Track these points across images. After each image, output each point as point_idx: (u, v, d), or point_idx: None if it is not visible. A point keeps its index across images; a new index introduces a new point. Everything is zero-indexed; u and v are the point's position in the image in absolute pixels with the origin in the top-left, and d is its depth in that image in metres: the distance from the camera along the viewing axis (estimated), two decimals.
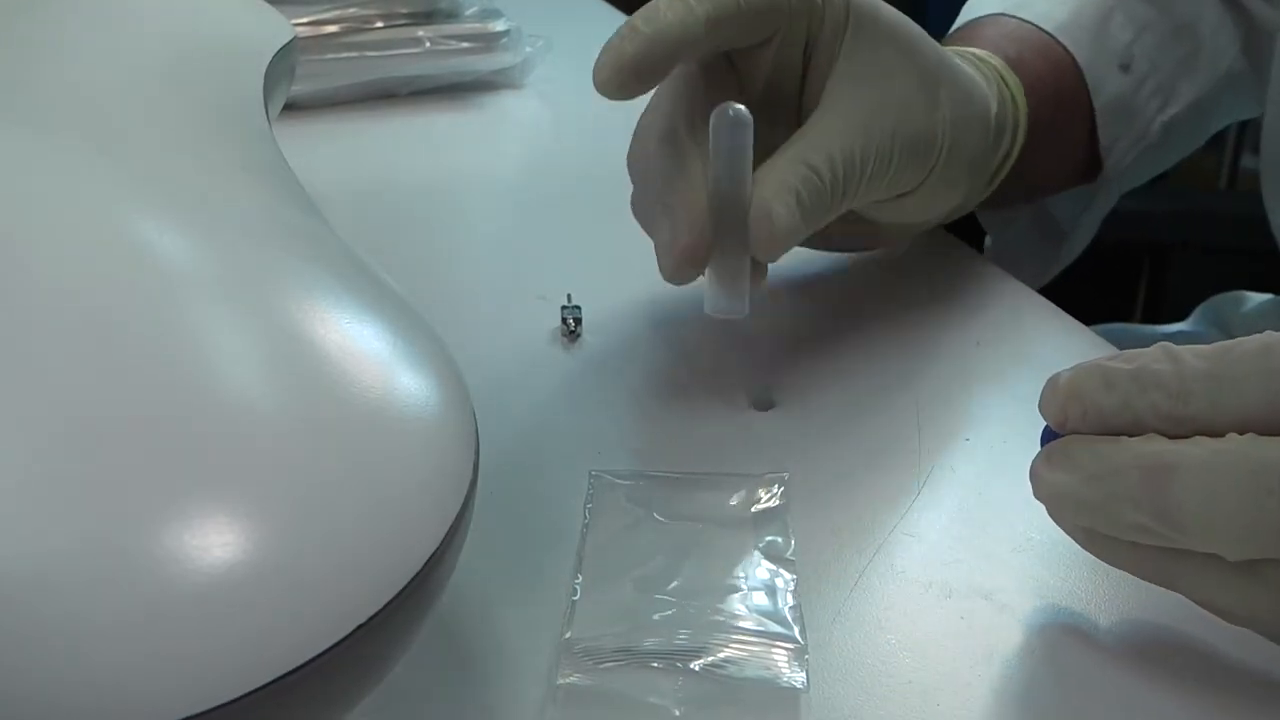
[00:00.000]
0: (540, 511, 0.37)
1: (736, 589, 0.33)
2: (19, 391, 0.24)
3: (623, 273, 0.51)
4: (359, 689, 0.26)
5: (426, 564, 0.25)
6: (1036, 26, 0.55)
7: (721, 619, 0.32)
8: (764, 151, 0.41)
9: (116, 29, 0.38)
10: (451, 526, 0.26)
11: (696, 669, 0.31)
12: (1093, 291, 0.73)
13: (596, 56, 0.40)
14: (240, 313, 0.27)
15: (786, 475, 0.38)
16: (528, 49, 0.73)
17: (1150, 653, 0.32)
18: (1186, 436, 0.29)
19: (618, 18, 0.86)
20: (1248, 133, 1.48)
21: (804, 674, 0.31)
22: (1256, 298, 0.77)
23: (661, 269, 0.41)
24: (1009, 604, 0.34)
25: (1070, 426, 0.31)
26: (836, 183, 0.41)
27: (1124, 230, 0.66)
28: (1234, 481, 0.28)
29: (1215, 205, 1.18)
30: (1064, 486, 0.31)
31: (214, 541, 0.22)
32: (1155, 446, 0.29)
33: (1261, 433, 0.28)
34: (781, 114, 0.44)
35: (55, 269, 0.26)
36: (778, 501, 0.37)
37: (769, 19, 0.42)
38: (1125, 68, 0.56)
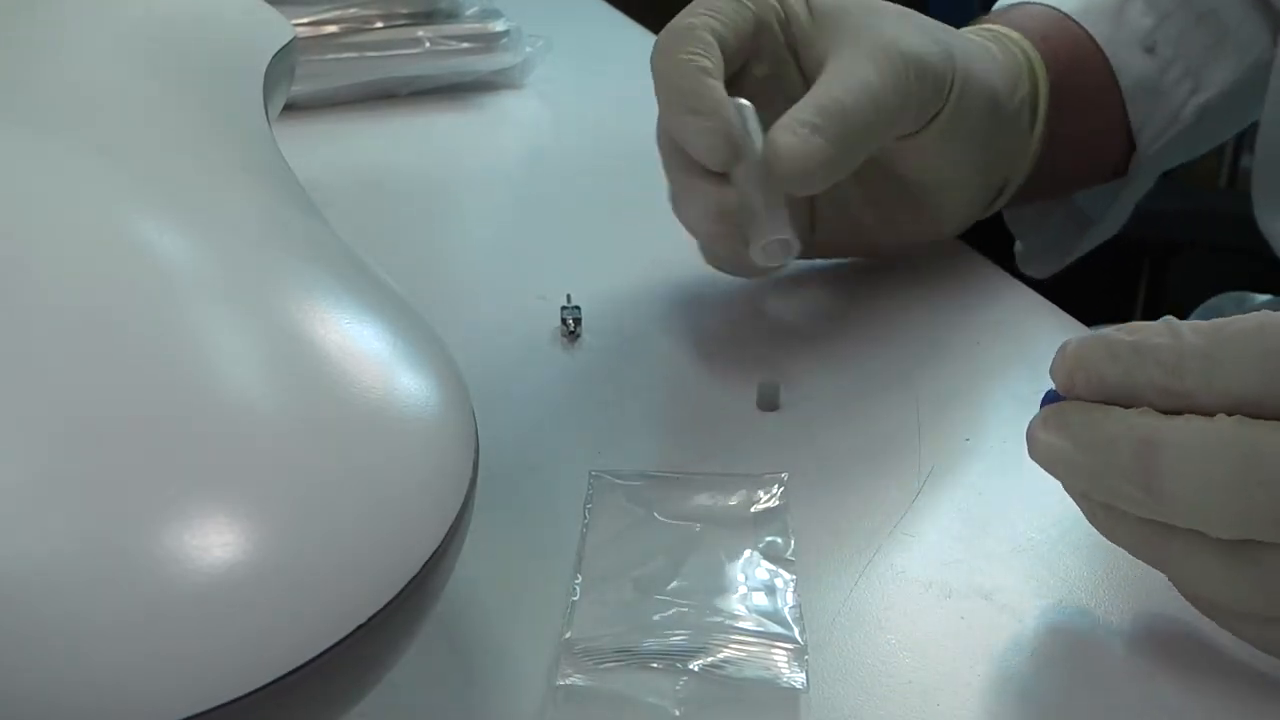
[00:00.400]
0: (540, 511, 0.37)
1: (736, 589, 0.34)
2: (19, 391, 0.24)
3: (623, 273, 0.51)
4: (359, 689, 0.26)
5: (426, 564, 0.25)
6: (1054, 9, 0.56)
7: (721, 619, 0.32)
8: None
9: (116, 29, 0.38)
10: (451, 526, 0.26)
11: (696, 669, 0.31)
12: (1093, 291, 0.73)
13: (700, 146, 0.42)
14: (240, 313, 0.27)
15: (786, 475, 0.38)
16: (528, 49, 0.73)
17: (1151, 653, 0.32)
18: (1180, 412, 0.29)
19: (618, 18, 0.86)
20: (1247, 133, 1.47)
21: (804, 674, 0.31)
22: (1257, 298, 0.77)
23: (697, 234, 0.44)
24: (1009, 604, 0.34)
25: (1075, 393, 0.31)
26: (858, 106, 0.43)
27: (1124, 230, 0.66)
28: (1222, 465, 0.28)
29: (1215, 205, 1.18)
30: (1058, 451, 0.31)
31: (214, 541, 0.22)
32: (1146, 420, 0.29)
33: (1252, 412, 0.28)
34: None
35: (55, 269, 0.26)
36: (778, 501, 0.37)
37: (753, 39, 0.46)
38: (1149, 50, 0.56)
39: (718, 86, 0.43)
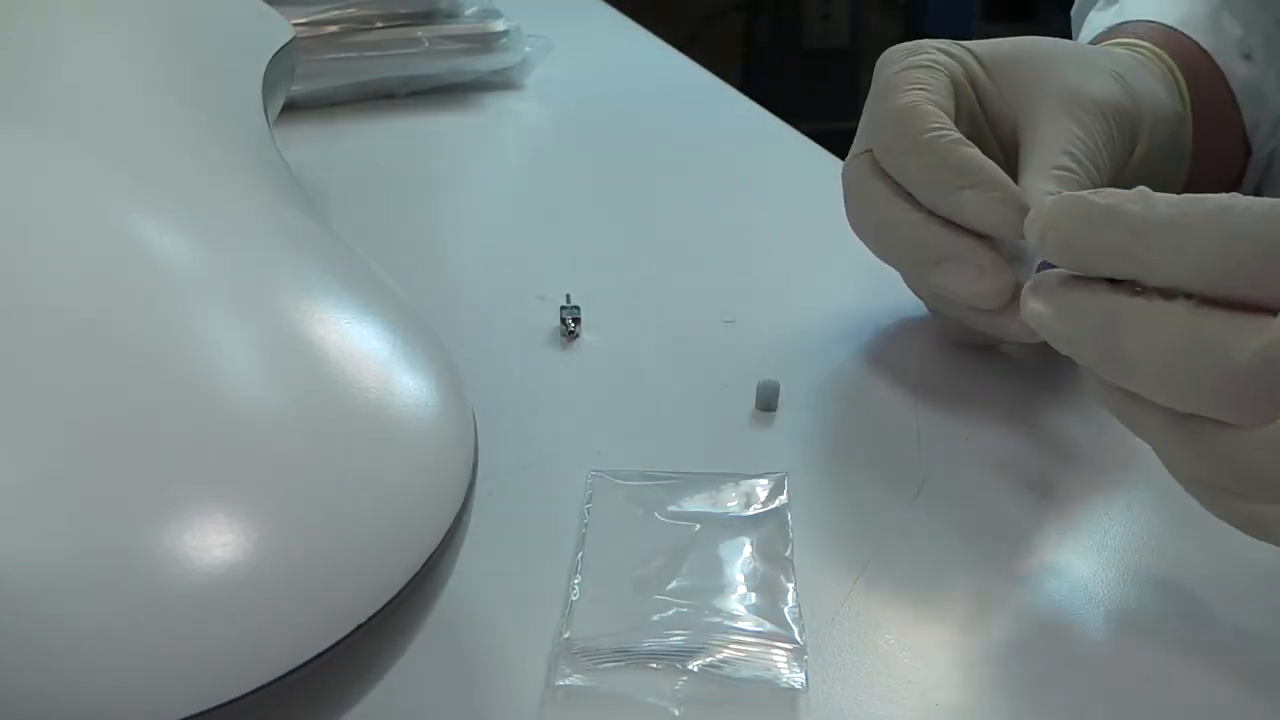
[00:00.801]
0: (540, 511, 0.37)
1: (735, 589, 0.34)
2: (19, 392, 0.24)
3: (622, 273, 0.51)
4: (359, 689, 0.26)
5: (426, 564, 0.25)
6: (1157, 23, 0.55)
7: (720, 619, 0.32)
8: None
9: (115, 29, 0.38)
10: (451, 527, 0.26)
11: (695, 669, 0.31)
12: None
13: (991, 217, 0.40)
14: (239, 313, 0.27)
15: (786, 475, 0.38)
16: (527, 49, 0.73)
17: (1151, 654, 0.32)
18: (1141, 280, 0.31)
19: (618, 18, 0.86)
20: None
21: (803, 674, 0.31)
22: None
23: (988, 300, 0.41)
24: (1009, 604, 0.34)
25: (1046, 251, 0.33)
26: (1083, 165, 0.42)
27: None
28: (1174, 345, 0.30)
29: None
30: (1043, 317, 0.33)
31: (214, 542, 0.22)
32: (1113, 296, 0.31)
33: (1207, 291, 0.30)
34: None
35: (55, 270, 0.26)
36: (777, 501, 0.37)
37: (954, 106, 0.44)
38: (1246, 56, 0.56)
39: (982, 155, 0.41)
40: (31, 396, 0.24)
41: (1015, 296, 0.39)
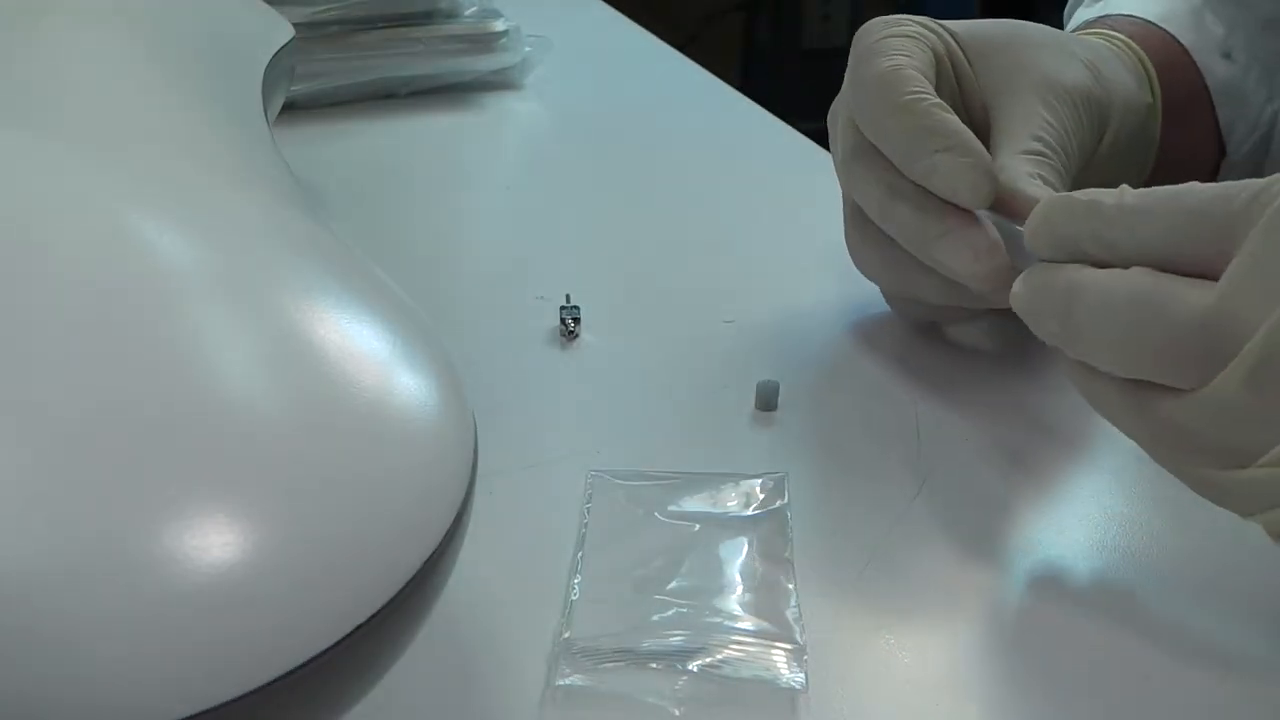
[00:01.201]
0: (540, 511, 0.37)
1: (735, 589, 0.34)
2: (20, 391, 0.24)
3: (622, 273, 0.51)
4: (359, 689, 0.26)
5: (425, 564, 0.25)
6: (1137, 18, 0.56)
7: (720, 619, 0.32)
8: None
9: (115, 29, 0.38)
10: (450, 527, 0.26)
11: (695, 669, 0.31)
12: None
13: (961, 183, 0.39)
14: (239, 313, 0.27)
15: (786, 475, 0.38)
16: (527, 49, 0.73)
17: (1151, 656, 0.32)
18: (1109, 263, 0.32)
19: (618, 18, 0.86)
20: None
21: (803, 674, 0.31)
22: None
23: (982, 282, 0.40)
24: (1009, 604, 0.34)
25: (1038, 247, 0.35)
26: (1053, 149, 0.43)
27: None
28: (1125, 307, 0.31)
29: None
30: (1019, 298, 0.35)
31: (214, 541, 0.22)
32: (1077, 269, 0.33)
33: (1163, 263, 0.31)
34: None
35: (55, 269, 0.26)
36: (777, 502, 0.37)
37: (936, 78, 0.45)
38: (1227, 56, 0.57)
39: (959, 122, 0.41)
40: (32, 396, 0.24)
41: (1007, 278, 0.39)
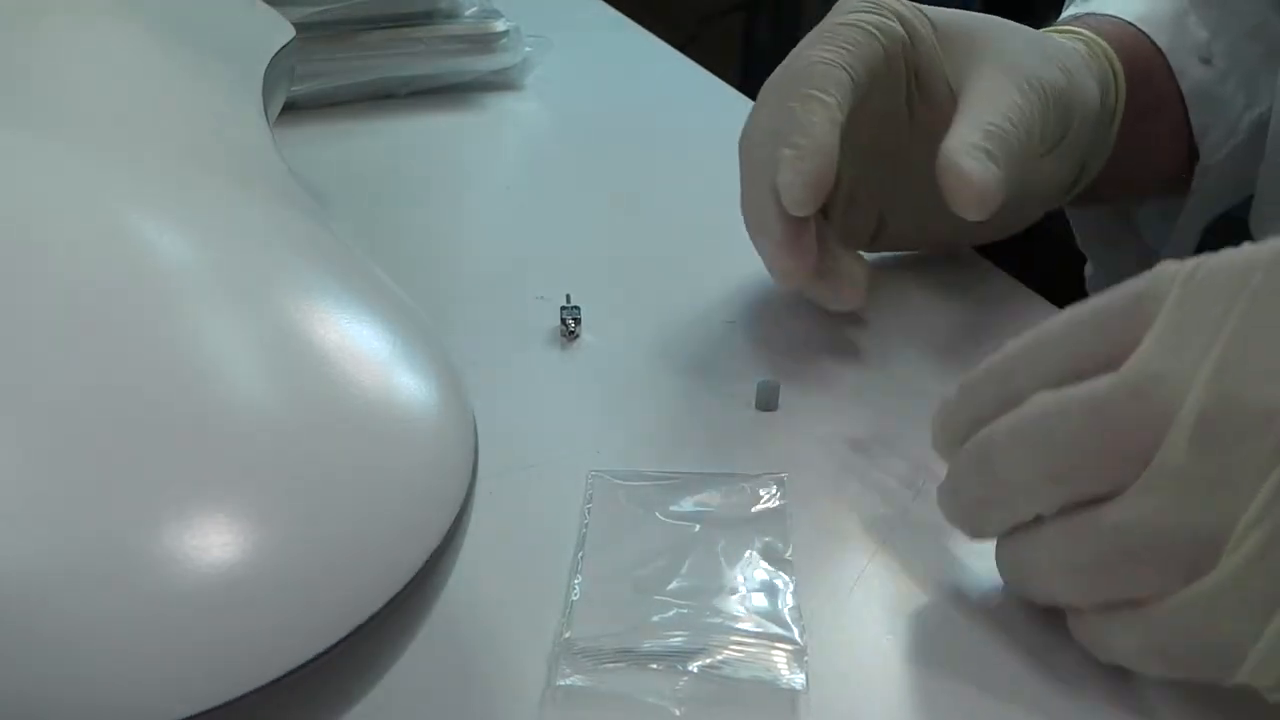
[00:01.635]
0: (540, 511, 0.37)
1: (735, 590, 0.34)
2: (20, 391, 0.24)
3: (622, 273, 0.51)
4: (359, 689, 0.26)
5: (426, 564, 0.25)
6: (1117, 18, 0.56)
7: (720, 620, 0.32)
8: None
9: (115, 29, 0.38)
10: (451, 527, 0.26)
11: (695, 670, 0.31)
12: (1092, 292, 0.73)
13: (786, 182, 0.42)
14: (240, 313, 0.27)
15: (786, 475, 0.38)
16: (527, 49, 0.73)
17: None
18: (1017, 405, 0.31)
19: (618, 18, 0.86)
20: None
21: (803, 675, 0.31)
22: None
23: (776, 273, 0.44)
24: (1009, 604, 0.34)
25: (945, 451, 0.35)
26: (1018, 133, 0.43)
27: None
28: (1030, 427, 0.30)
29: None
30: (940, 497, 0.34)
31: (214, 541, 0.22)
32: (977, 435, 0.32)
33: (1063, 377, 0.30)
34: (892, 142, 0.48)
35: (56, 270, 0.26)
36: (777, 502, 0.37)
37: (880, 76, 0.46)
38: (1206, 61, 0.57)
39: (834, 137, 0.43)
40: (32, 396, 0.24)
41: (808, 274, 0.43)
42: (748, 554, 0.35)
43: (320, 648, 0.23)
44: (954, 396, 0.34)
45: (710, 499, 0.37)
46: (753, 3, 2.35)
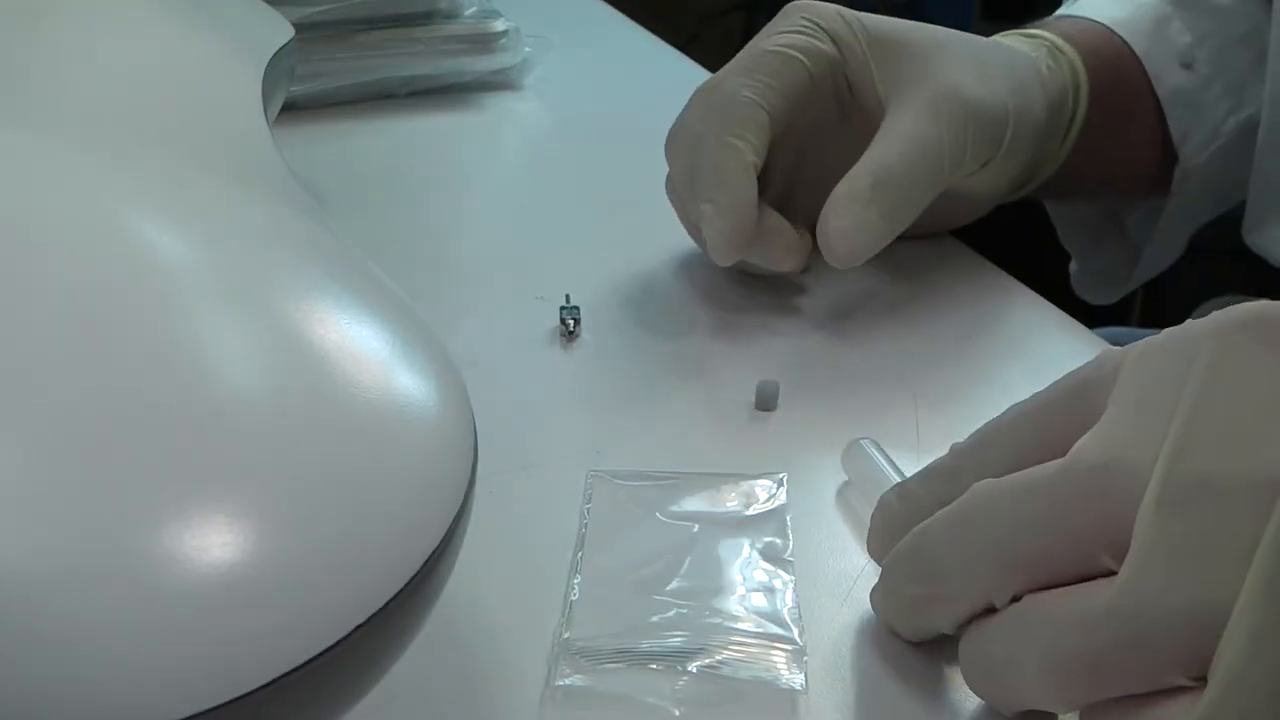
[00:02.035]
0: (539, 511, 0.37)
1: (735, 590, 0.34)
2: (21, 391, 0.24)
3: (622, 273, 0.51)
4: (359, 689, 0.26)
5: (425, 564, 0.25)
6: (1094, 21, 0.57)
7: (720, 620, 0.32)
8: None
9: (114, 29, 0.38)
10: (450, 527, 0.26)
11: (695, 670, 0.31)
12: (1077, 289, 0.73)
13: (708, 236, 0.45)
14: (239, 313, 0.27)
15: (785, 475, 0.38)
16: (527, 49, 0.73)
17: None
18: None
19: (618, 18, 0.86)
20: None
21: (803, 675, 0.31)
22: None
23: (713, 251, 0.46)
24: None
25: (875, 551, 0.34)
26: (915, 172, 0.44)
27: None
28: (973, 514, 0.29)
29: None
30: (876, 604, 0.33)
31: (214, 541, 0.23)
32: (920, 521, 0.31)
33: (1008, 461, 0.29)
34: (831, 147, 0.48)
35: (55, 270, 0.26)
36: (777, 502, 0.37)
37: (805, 99, 0.47)
38: (1187, 66, 0.57)
39: (751, 186, 0.44)
40: (32, 395, 0.24)
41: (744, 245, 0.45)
42: (747, 554, 0.35)
43: (320, 647, 0.23)
44: (893, 500, 0.33)
45: (709, 499, 0.37)
46: (753, 3, 2.35)
